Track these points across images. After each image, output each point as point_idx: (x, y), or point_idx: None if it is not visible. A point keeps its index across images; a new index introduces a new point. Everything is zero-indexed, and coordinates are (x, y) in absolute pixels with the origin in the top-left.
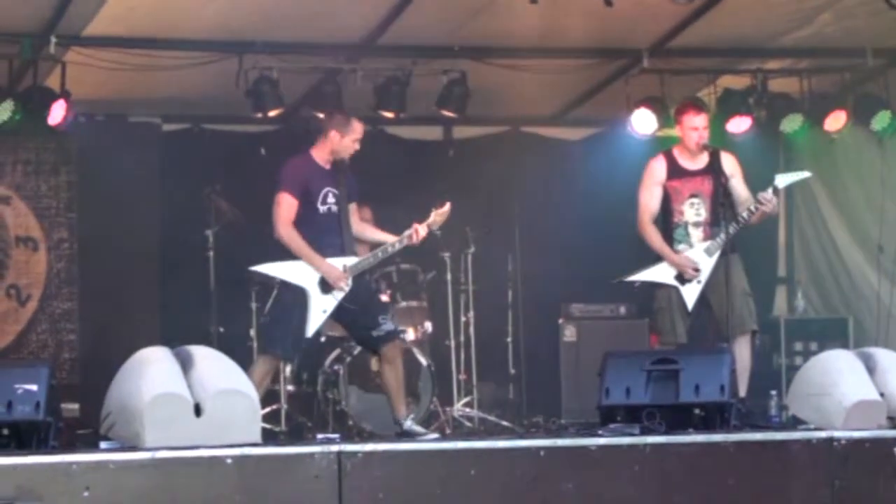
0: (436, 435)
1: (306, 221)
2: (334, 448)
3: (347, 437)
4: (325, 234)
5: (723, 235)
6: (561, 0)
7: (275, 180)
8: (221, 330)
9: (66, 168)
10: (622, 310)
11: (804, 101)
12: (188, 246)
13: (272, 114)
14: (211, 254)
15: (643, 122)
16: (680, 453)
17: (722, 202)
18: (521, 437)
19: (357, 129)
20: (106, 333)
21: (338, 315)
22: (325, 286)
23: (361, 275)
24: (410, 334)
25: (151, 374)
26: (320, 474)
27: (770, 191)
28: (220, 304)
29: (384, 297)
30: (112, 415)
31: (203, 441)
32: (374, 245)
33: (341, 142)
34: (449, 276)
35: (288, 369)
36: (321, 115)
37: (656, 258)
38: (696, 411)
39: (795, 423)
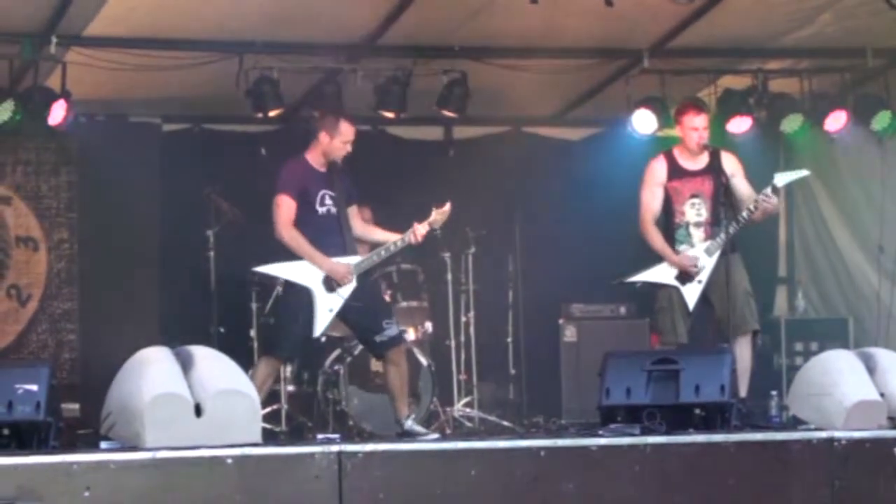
0: (436, 435)
1: (306, 224)
2: (335, 448)
3: (348, 438)
4: (326, 236)
5: (723, 235)
6: (561, 0)
7: (273, 183)
8: (222, 330)
9: (67, 168)
10: (622, 310)
11: (804, 101)
12: (188, 246)
13: (272, 114)
14: (211, 254)
15: (643, 122)
16: (680, 453)
17: (722, 202)
18: (522, 437)
19: (346, 131)
20: (106, 333)
21: (343, 314)
22: (330, 285)
23: (365, 275)
24: (411, 334)
25: (152, 374)
26: (321, 474)
27: (769, 189)
28: (221, 305)
29: (385, 298)
30: (112, 415)
31: (203, 441)
32: (376, 245)
33: (331, 144)
34: (449, 277)
35: (288, 369)
36: (314, 117)
37: (657, 258)
38: (697, 411)
39: (796, 423)
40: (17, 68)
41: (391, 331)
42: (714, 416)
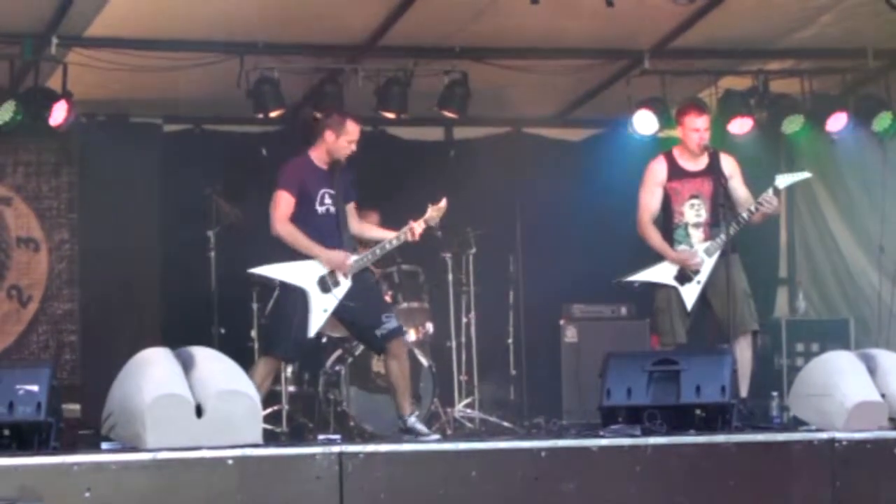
0: (437, 436)
1: (306, 222)
2: (335, 449)
3: (349, 438)
4: (325, 235)
5: (722, 236)
6: (562, 0)
7: (274, 181)
8: (222, 331)
9: (68, 169)
10: (623, 310)
11: (805, 102)
12: (189, 246)
13: (273, 114)
14: (212, 254)
15: (644, 122)
16: (681, 454)
17: (722, 203)
18: (523, 437)
19: (351, 129)
20: (107, 334)
21: (339, 314)
22: (325, 285)
23: (363, 273)
24: (412, 335)
25: (153, 374)
26: (321, 475)
27: (770, 191)
28: (222, 305)
29: (385, 298)
30: (113, 415)
31: (204, 442)
32: (373, 244)
33: (336, 142)
34: (450, 277)
35: (289, 370)
36: (318, 116)
37: (656, 258)
38: (698, 412)
39: (797, 424)
40: (18, 69)
41: (391, 323)
42: (715, 417)
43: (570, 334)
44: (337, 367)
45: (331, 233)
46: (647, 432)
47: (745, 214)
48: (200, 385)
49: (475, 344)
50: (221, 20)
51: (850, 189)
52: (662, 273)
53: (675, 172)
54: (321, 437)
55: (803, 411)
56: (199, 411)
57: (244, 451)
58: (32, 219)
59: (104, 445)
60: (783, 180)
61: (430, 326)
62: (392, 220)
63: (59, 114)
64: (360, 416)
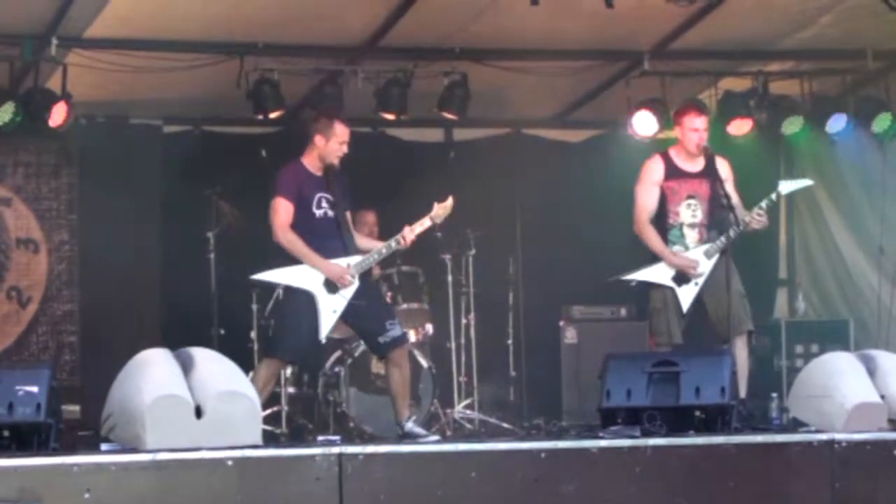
0: (437, 437)
1: (305, 227)
2: (335, 450)
3: (348, 439)
4: (326, 239)
5: (723, 238)
6: (562, 2)
7: (272, 186)
8: (222, 332)
9: (67, 170)
10: (623, 312)
11: (805, 103)
12: (189, 248)
13: (273, 115)
14: (212, 255)
15: (644, 124)
16: (681, 455)
17: (723, 204)
18: (522, 439)
19: (340, 132)
20: (107, 335)
21: (346, 315)
22: (331, 286)
23: (366, 275)
24: (411, 336)
25: (152, 375)
26: (321, 476)
27: (769, 199)
28: (221, 306)
29: (387, 299)
30: (113, 416)
31: (204, 443)
32: (366, 251)
33: (327, 146)
34: (450, 279)
35: (289, 371)
36: (311, 121)
37: (653, 258)
38: (697, 413)
39: (796, 425)
40: (17, 70)
41: (394, 331)
42: (714, 418)
43: (570, 335)
44: (336, 369)
45: (331, 236)
46: (646, 433)
47: (746, 219)
48: (200, 386)
49: (475, 345)
50: (221, 21)
51: (849, 190)
52: (660, 273)
53: (672, 172)
54: (321, 438)
55: (803, 412)
56: (198, 412)
57: (244, 453)
58: (32, 220)
59: (104, 446)
60: (786, 186)
61: (429, 327)
62: (391, 222)
63: (58, 115)
64: (359, 417)
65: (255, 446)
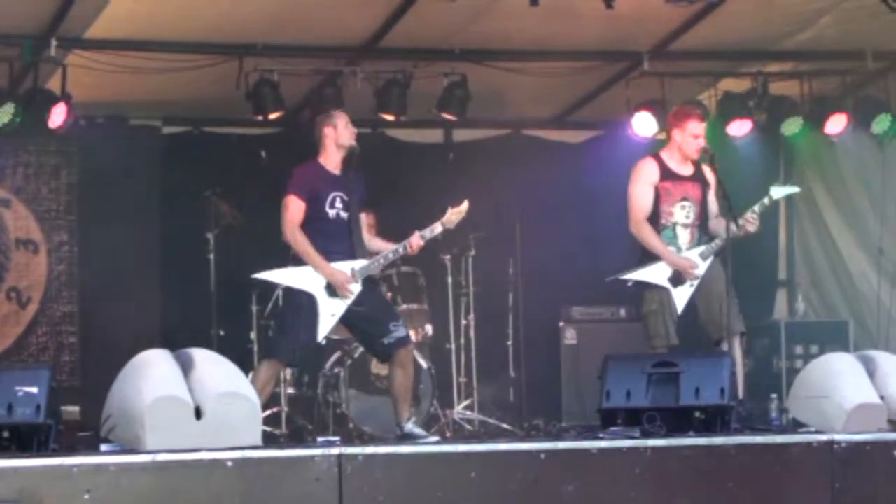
0: (436, 438)
1: (315, 226)
2: (335, 451)
3: (348, 440)
4: (335, 240)
5: (718, 241)
6: (561, 2)
7: (280, 184)
8: (222, 333)
9: (67, 171)
10: (622, 312)
11: (805, 103)
12: (189, 248)
13: (273, 116)
14: (211, 256)
15: (644, 124)
16: (680, 456)
17: (721, 204)
18: (522, 439)
19: (340, 115)
20: (106, 336)
21: (346, 318)
22: (332, 290)
23: (369, 279)
24: (411, 337)
25: (152, 376)
26: (321, 477)
27: (761, 203)
28: (221, 307)
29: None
30: (113, 417)
31: (204, 444)
32: (374, 253)
33: (337, 133)
34: (449, 279)
35: (288, 372)
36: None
37: (646, 258)
38: (697, 414)
39: (796, 425)
40: (17, 71)
41: (399, 332)
42: (714, 419)
43: (570, 336)
44: (336, 370)
45: (341, 238)
46: (646, 434)
47: (740, 221)
48: (200, 387)
49: (474, 346)
50: (221, 22)
51: (849, 191)
52: (657, 273)
53: (666, 174)
54: (320, 439)
55: (802, 413)
56: (198, 413)
57: (243, 453)
58: (32, 220)
59: (103, 447)
60: (777, 191)
61: (429, 328)
62: (391, 223)
63: (58, 116)
64: (359, 417)
65: (255, 447)
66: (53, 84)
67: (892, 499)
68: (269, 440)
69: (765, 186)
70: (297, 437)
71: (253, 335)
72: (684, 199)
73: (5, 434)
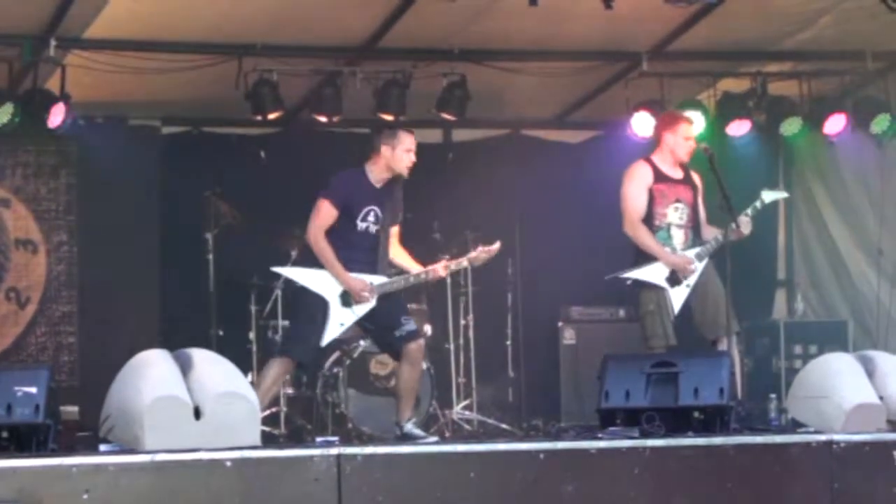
0: (435, 438)
1: (342, 235)
2: (333, 451)
3: (347, 440)
4: (359, 251)
5: (713, 242)
6: (561, 3)
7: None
8: (221, 333)
9: (66, 171)
10: (621, 312)
11: (804, 104)
12: (188, 248)
13: (272, 116)
14: (210, 256)
15: (643, 124)
16: (679, 456)
17: (720, 204)
18: (521, 439)
19: (405, 139)
20: (105, 336)
21: (367, 322)
22: (346, 299)
23: (384, 298)
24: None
25: (151, 376)
26: (320, 477)
27: (753, 206)
28: (220, 307)
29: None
30: (112, 417)
31: (202, 444)
32: (395, 266)
33: (394, 155)
34: (449, 279)
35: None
36: (373, 133)
37: (645, 259)
38: (696, 414)
39: (795, 426)
40: (16, 71)
41: (410, 325)
42: (713, 419)
43: (569, 336)
44: (335, 370)
45: (365, 251)
46: (645, 434)
47: (733, 225)
48: (199, 387)
49: (473, 346)
50: (220, 22)
51: (848, 191)
52: (655, 273)
53: (659, 177)
54: (319, 439)
55: (801, 413)
56: (197, 413)
57: (242, 453)
58: (31, 221)
59: (102, 447)
60: (768, 195)
61: (428, 328)
62: None
63: (57, 116)
64: (358, 417)
65: (254, 447)
66: (53, 84)
67: (891, 499)
68: (268, 440)
69: (764, 186)
70: (296, 438)
71: (252, 335)
72: (678, 200)
73: (4, 434)
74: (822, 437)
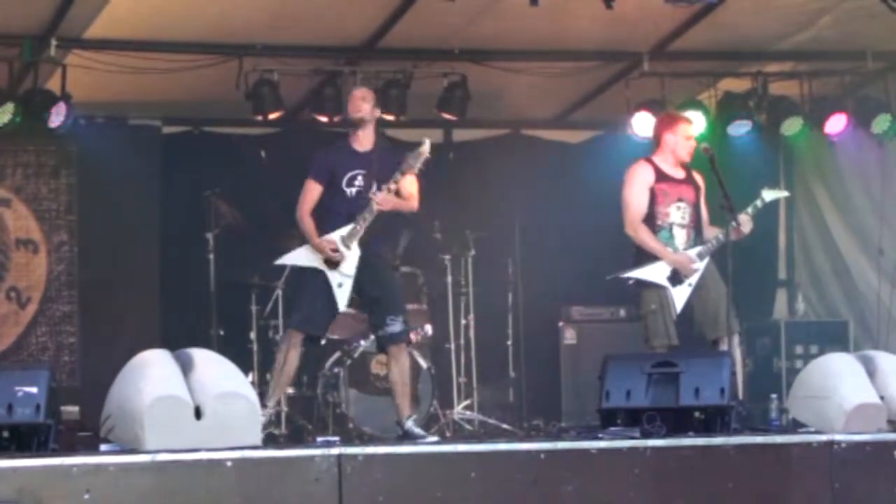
0: (435, 438)
1: (330, 206)
2: (334, 451)
3: (347, 440)
4: (345, 218)
5: (714, 241)
6: (561, 2)
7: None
8: (221, 332)
9: (67, 171)
10: (622, 312)
11: (804, 104)
12: (188, 248)
13: (272, 116)
14: (211, 256)
15: (643, 124)
16: (680, 456)
17: (721, 204)
18: (522, 439)
19: (355, 91)
20: (106, 336)
21: (359, 295)
22: (330, 263)
23: (383, 262)
24: (410, 337)
25: (152, 376)
26: (320, 477)
27: (754, 205)
28: (220, 307)
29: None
30: (112, 417)
31: (203, 444)
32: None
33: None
34: (449, 279)
35: None
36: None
37: (646, 258)
38: (697, 414)
39: (795, 426)
40: (17, 70)
41: (393, 328)
42: (714, 419)
43: (569, 336)
44: (336, 370)
45: (355, 216)
46: (646, 434)
47: (733, 223)
48: (199, 387)
49: (474, 346)
50: (220, 22)
51: (849, 191)
52: (657, 273)
53: (661, 176)
54: (320, 439)
55: (802, 413)
56: (197, 413)
57: (243, 453)
58: (31, 220)
59: (103, 447)
60: (769, 194)
61: (428, 328)
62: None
63: (58, 116)
64: (358, 417)
65: (255, 447)
66: (53, 84)
67: (892, 499)
68: (268, 440)
69: (765, 186)
70: (297, 437)
71: (253, 335)
72: (680, 200)
73: (5, 434)
74: (823, 438)
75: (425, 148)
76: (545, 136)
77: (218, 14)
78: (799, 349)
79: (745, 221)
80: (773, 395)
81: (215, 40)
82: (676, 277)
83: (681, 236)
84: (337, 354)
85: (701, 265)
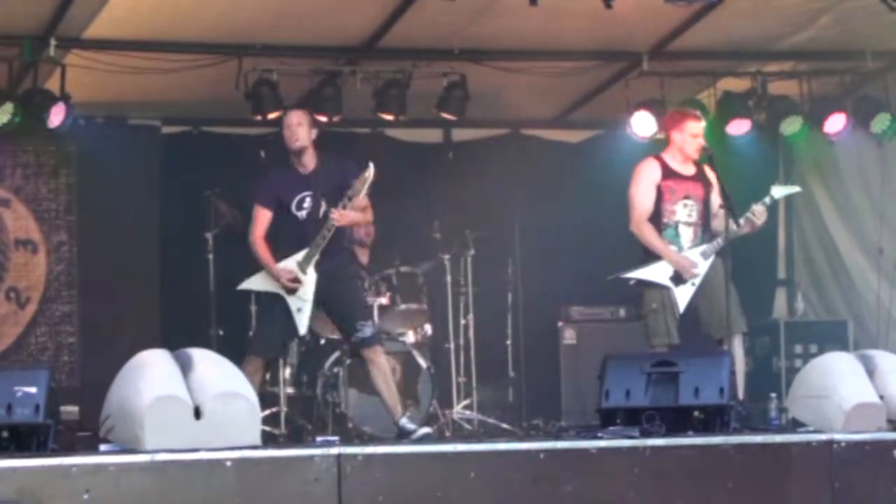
0: (428, 428)
1: (283, 231)
2: (334, 451)
3: (347, 440)
4: (300, 240)
5: (719, 240)
6: (561, 2)
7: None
8: (221, 332)
9: (66, 171)
10: (622, 312)
11: (804, 103)
12: (188, 248)
13: (272, 116)
14: (211, 256)
15: (643, 124)
16: (679, 456)
17: (722, 204)
18: (521, 439)
19: (287, 115)
20: (105, 336)
21: (327, 313)
22: (287, 289)
23: (340, 277)
24: (410, 337)
25: (151, 376)
26: (320, 477)
27: (763, 202)
28: (220, 307)
29: (383, 300)
30: (112, 417)
31: (202, 444)
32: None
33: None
34: (448, 279)
35: (287, 372)
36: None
37: (650, 257)
38: (696, 414)
39: (795, 425)
40: (16, 70)
41: (364, 332)
42: (713, 419)
43: (569, 336)
44: (335, 369)
45: (308, 238)
46: (645, 434)
47: (741, 220)
48: (199, 387)
49: (474, 346)
50: (220, 22)
51: (848, 190)
52: (659, 272)
53: (669, 173)
54: (319, 438)
55: (802, 413)
56: (197, 413)
57: (242, 453)
58: (31, 220)
59: (102, 447)
60: (779, 191)
61: (428, 328)
62: (389, 222)
63: (57, 115)
64: (358, 417)
65: (254, 447)
66: (52, 84)
67: (891, 498)
68: (268, 440)
69: (764, 186)
70: (297, 437)
71: (252, 335)
72: (687, 197)
73: (4, 434)
74: (823, 437)
75: (369, 173)
76: (545, 136)
77: (218, 14)
78: (798, 349)
79: (760, 213)
80: (773, 395)
81: (215, 40)
82: (679, 277)
83: (687, 234)
84: (336, 354)
85: (703, 266)
